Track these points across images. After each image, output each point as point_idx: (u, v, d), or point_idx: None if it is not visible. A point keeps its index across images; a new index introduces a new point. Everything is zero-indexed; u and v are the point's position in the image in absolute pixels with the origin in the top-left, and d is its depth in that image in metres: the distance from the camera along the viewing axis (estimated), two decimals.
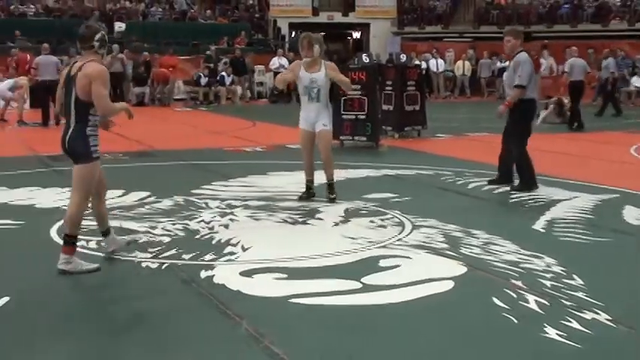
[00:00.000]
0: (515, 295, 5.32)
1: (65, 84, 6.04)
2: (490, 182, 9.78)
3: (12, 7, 30.36)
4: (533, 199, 8.93)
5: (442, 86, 30.20)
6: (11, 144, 15.01)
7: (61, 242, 6.13)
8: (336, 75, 8.84)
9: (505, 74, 10.23)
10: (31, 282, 5.76)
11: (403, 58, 16.04)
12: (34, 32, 28.74)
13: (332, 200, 8.72)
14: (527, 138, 9.49)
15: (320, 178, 8.90)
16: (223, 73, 26.70)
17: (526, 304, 5.15)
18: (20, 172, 10.86)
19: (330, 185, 8.88)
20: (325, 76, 8.69)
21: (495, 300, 5.21)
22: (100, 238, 6.68)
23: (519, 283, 5.63)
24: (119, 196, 8.88)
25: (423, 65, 26.82)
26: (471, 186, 9.80)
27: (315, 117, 8.73)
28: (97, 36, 6.01)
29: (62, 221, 7.55)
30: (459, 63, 30.08)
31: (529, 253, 6.45)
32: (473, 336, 4.65)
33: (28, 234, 7.28)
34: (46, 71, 18.42)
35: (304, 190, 8.93)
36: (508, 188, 9.49)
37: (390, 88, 15.21)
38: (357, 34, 39.86)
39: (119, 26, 30.79)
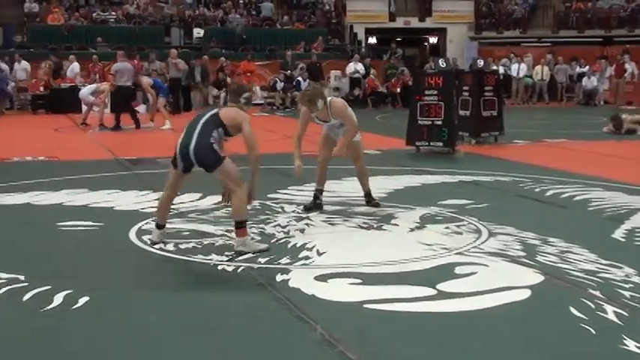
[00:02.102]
0: (593, 306, 5.22)
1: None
2: None
3: (94, 13, 31.07)
4: (612, 207, 8.75)
5: (522, 91, 29.81)
6: (92, 147, 15.36)
7: (146, 244, 6.27)
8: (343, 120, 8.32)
9: None
10: (109, 283, 5.88)
11: (481, 63, 15.91)
12: (115, 39, 29.41)
13: (376, 205, 8.56)
14: None
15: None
16: (299, 79, 26.87)
17: (604, 315, 5.05)
18: (100, 175, 11.11)
19: (368, 194, 8.69)
20: (337, 119, 8.31)
21: (573, 310, 5.12)
22: (179, 240, 6.89)
23: (597, 293, 5.52)
24: (196, 200, 9.00)
25: (501, 70, 26.51)
26: (549, 193, 9.66)
27: (341, 133, 8.50)
28: (245, 94, 7.04)
29: (141, 224, 7.76)
30: (538, 68, 29.63)
31: (608, 262, 6.31)
32: (549, 346, 4.58)
33: (106, 235, 7.43)
34: (123, 77, 18.88)
35: (312, 199, 8.63)
36: (587, 196, 9.34)
37: (467, 93, 15.10)
38: (433, 39, 39.64)
39: (197, 32, 31.26)
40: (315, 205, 8.54)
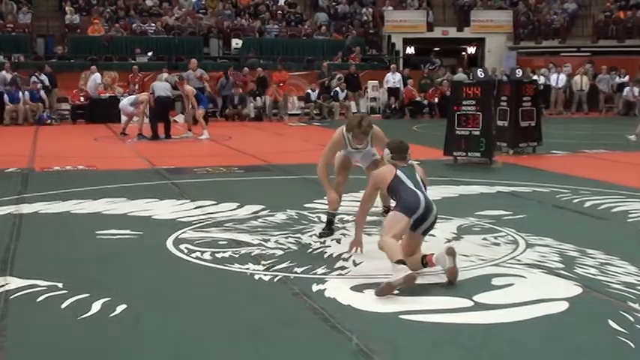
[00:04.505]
0: (632, 319, 5.15)
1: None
2: None
3: (134, 25, 31.39)
4: None
5: (561, 102, 29.57)
6: (131, 157, 15.50)
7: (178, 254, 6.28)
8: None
9: None
10: (147, 291, 5.92)
11: (519, 73, 15.82)
12: (154, 49, 29.70)
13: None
14: None
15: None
16: (337, 89, 26.90)
17: None
18: (139, 184, 11.20)
19: (387, 210, 7.79)
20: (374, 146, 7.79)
21: (611, 323, 5.06)
22: (215, 249, 6.94)
23: (637, 306, 5.45)
24: (233, 209, 9.04)
25: (540, 80, 26.31)
26: (587, 204, 9.56)
27: (368, 161, 7.93)
28: (409, 151, 6.73)
29: (179, 233, 7.80)
30: (577, 78, 29.38)
31: None
32: (587, 359, 4.54)
33: (144, 244, 7.49)
34: (160, 90, 19.16)
35: (325, 224, 7.96)
36: (626, 207, 9.24)
37: (505, 103, 15.01)
38: (471, 49, 39.48)
39: (236, 43, 31.43)
40: (330, 230, 7.90)
